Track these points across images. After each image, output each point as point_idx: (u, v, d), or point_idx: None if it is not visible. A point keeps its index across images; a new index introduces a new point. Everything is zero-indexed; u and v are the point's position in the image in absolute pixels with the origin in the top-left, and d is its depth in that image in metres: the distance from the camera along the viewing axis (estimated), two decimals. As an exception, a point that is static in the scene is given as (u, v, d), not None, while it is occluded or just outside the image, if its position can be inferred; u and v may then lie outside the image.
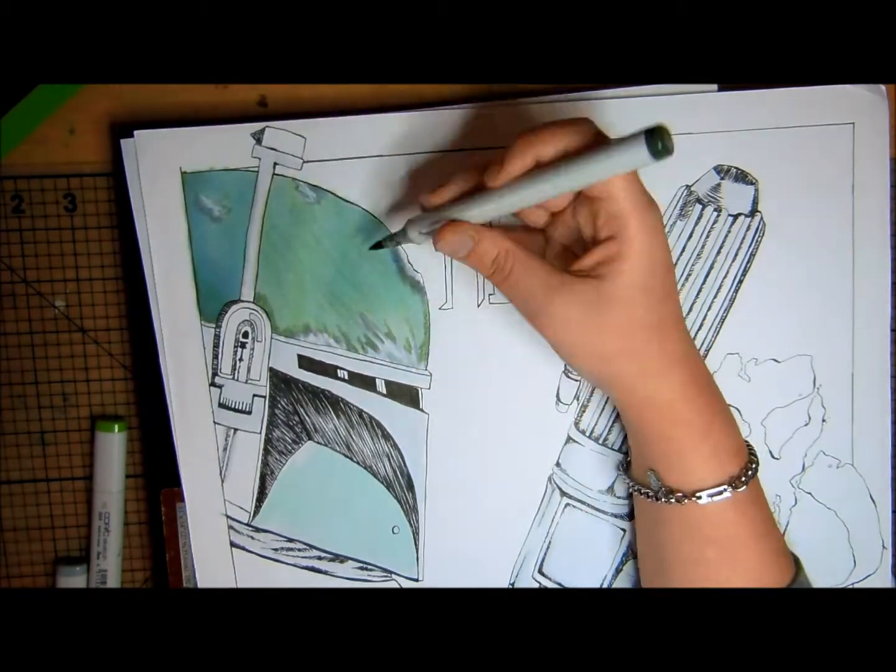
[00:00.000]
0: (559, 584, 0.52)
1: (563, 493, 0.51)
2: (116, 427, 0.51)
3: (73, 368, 0.51)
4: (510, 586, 0.52)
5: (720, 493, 0.43)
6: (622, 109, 0.48)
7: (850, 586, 0.52)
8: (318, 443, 0.51)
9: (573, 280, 0.41)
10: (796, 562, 0.47)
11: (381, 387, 0.50)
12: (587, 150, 0.39)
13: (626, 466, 0.49)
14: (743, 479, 0.43)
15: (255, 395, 0.50)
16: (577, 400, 0.50)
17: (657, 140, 0.36)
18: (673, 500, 0.44)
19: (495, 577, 0.52)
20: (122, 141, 0.47)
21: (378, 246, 0.47)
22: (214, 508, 0.51)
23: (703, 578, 0.45)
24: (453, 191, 0.43)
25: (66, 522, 0.52)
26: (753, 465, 0.44)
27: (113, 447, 0.51)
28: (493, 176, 0.41)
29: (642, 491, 0.46)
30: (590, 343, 0.42)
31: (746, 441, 0.46)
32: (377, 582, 0.51)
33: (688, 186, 0.49)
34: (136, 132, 0.47)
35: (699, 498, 0.43)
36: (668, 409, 0.43)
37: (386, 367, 0.50)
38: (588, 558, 0.52)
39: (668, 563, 0.46)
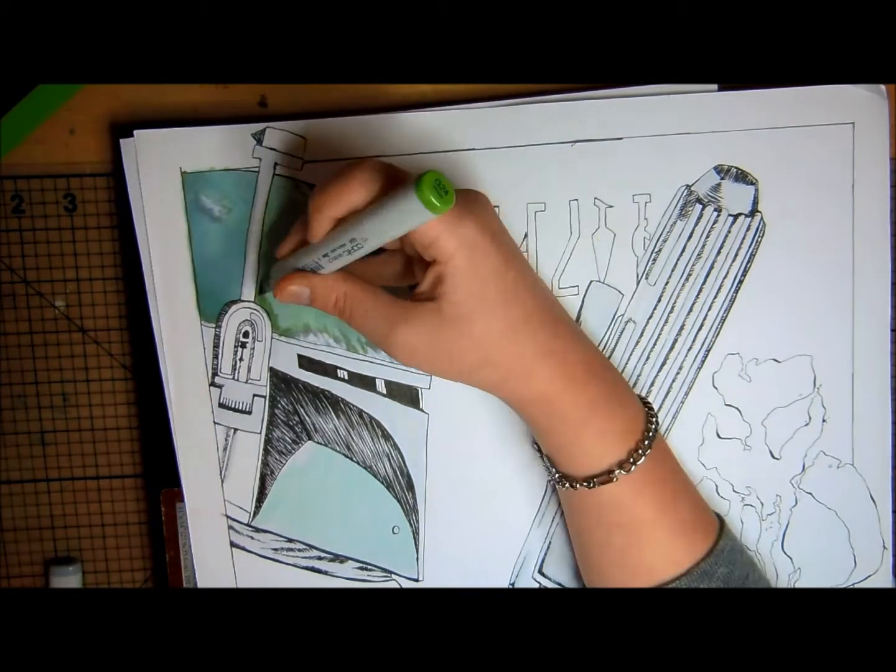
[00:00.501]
0: (559, 584, 0.52)
1: (563, 494, 0.51)
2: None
3: (73, 368, 0.51)
4: (510, 586, 0.52)
5: (609, 478, 0.43)
6: (622, 109, 0.48)
7: (851, 586, 0.52)
8: (318, 443, 0.51)
9: (413, 307, 0.42)
10: (721, 526, 0.46)
11: (381, 387, 0.50)
12: (371, 209, 0.39)
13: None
14: (631, 460, 0.43)
15: (255, 395, 0.50)
16: (577, 400, 0.50)
17: (426, 188, 0.36)
18: (567, 486, 0.44)
19: (495, 577, 0.52)
20: (122, 141, 0.47)
21: (262, 292, 0.49)
22: (214, 508, 0.51)
23: (613, 562, 0.45)
24: (294, 241, 0.45)
25: (66, 522, 0.52)
26: (646, 442, 0.44)
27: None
28: (309, 233, 0.42)
29: (549, 479, 0.46)
30: (443, 363, 0.42)
31: (648, 405, 0.46)
32: (377, 582, 0.51)
33: (688, 186, 0.49)
34: (135, 132, 0.47)
35: (590, 484, 0.44)
36: (543, 405, 0.43)
37: (386, 366, 0.50)
38: (588, 558, 0.52)
39: (584, 548, 0.47)
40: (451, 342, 0.41)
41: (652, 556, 0.44)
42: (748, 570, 0.46)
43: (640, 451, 0.44)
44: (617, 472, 0.43)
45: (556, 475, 0.45)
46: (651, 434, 0.44)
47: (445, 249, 0.40)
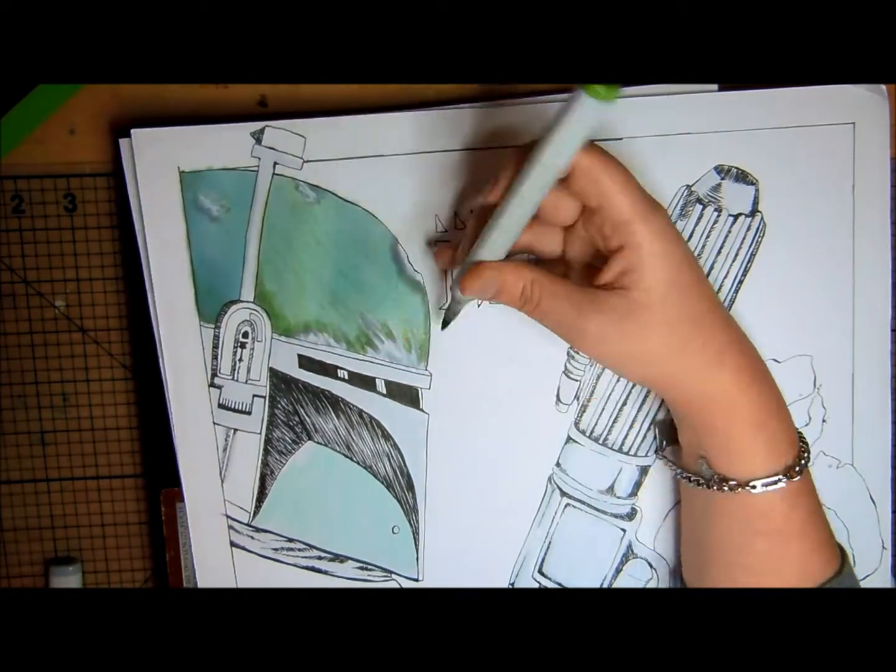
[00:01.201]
0: (559, 584, 0.52)
1: (563, 493, 0.51)
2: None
3: (73, 368, 0.51)
4: (510, 586, 0.52)
5: (774, 482, 0.43)
6: (622, 109, 0.48)
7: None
8: (318, 443, 0.51)
9: (601, 294, 0.42)
10: (842, 553, 0.47)
11: (381, 387, 0.50)
12: (549, 128, 0.40)
13: (666, 449, 0.49)
14: (797, 468, 0.43)
15: (254, 396, 0.50)
16: (577, 400, 0.50)
17: (595, 88, 0.38)
18: (726, 489, 0.43)
19: (495, 577, 0.52)
20: (122, 140, 0.47)
21: (445, 324, 0.48)
22: (214, 508, 0.51)
23: (749, 567, 0.44)
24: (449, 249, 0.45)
25: (66, 522, 0.52)
26: (806, 455, 0.44)
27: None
28: (489, 191, 0.42)
29: (692, 478, 0.45)
30: (631, 352, 0.42)
31: (798, 431, 0.46)
32: (377, 582, 0.51)
33: (688, 186, 0.49)
34: (132, 131, 0.47)
35: (753, 487, 0.43)
36: (721, 403, 0.43)
37: (386, 366, 0.50)
38: (588, 558, 0.52)
39: (713, 550, 0.46)
40: (642, 329, 0.41)
41: (791, 566, 0.44)
42: None
43: (804, 462, 0.44)
44: (783, 478, 0.43)
45: (715, 476, 0.44)
46: (808, 446, 0.45)
47: (638, 234, 0.40)
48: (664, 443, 0.50)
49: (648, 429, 0.50)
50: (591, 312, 0.41)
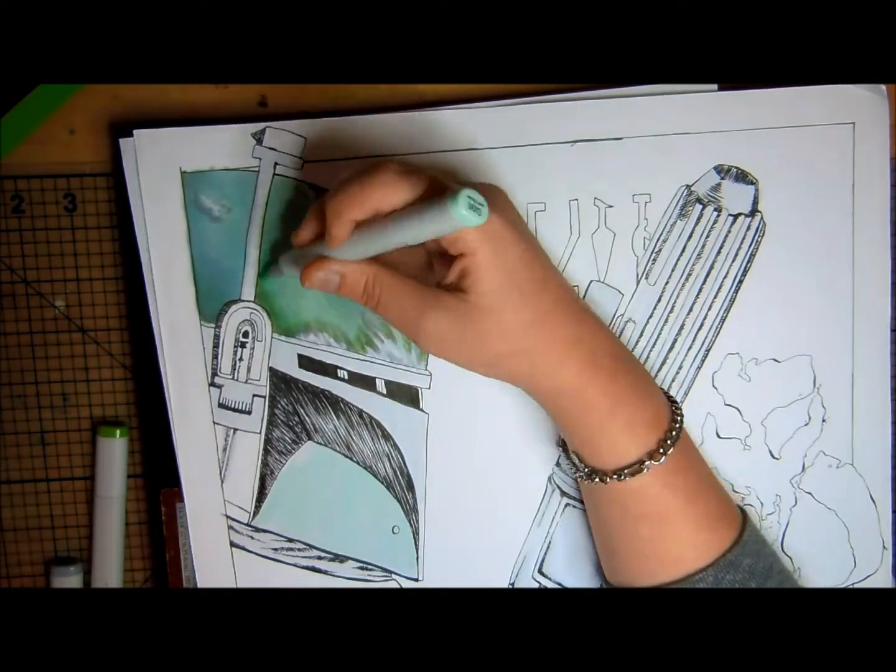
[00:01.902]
0: (559, 584, 0.52)
1: (563, 493, 0.51)
2: (118, 432, 0.50)
3: (73, 368, 0.51)
4: (510, 586, 0.52)
5: (639, 469, 0.43)
6: (622, 109, 0.48)
7: (851, 586, 0.52)
8: (318, 443, 0.51)
9: (442, 295, 0.42)
10: (743, 519, 0.46)
11: (381, 387, 0.50)
12: (399, 219, 0.39)
13: (564, 451, 0.49)
14: (661, 450, 0.43)
15: (254, 395, 0.50)
16: (577, 400, 0.50)
17: (463, 207, 0.36)
18: (597, 480, 0.44)
19: (495, 577, 0.52)
20: (122, 140, 0.47)
21: (264, 275, 0.49)
22: (214, 508, 0.51)
23: (641, 554, 0.45)
24: (312, 230, 0.44)
25: (66, 522, 0.52)
26: (673, 433, 0.44)
27: (115, 452, 0.51)
28: (328, 241, 0.41)
29: (576, 473, 0.46)
30: (471, 352, 0.42)
31: (672, 399, 0.46)
32: (377, 582, 0.51)
33: (688, 186, 0.49)
34: (135, 132, 0.47)
35: (620, 476, 0.43)
36: (571, 396, 0.43)
37: (386, 366, 0.50)
38: (588, 558, 0.52)
39: (609, 541, 0.47)
40: (480, 332, 0.41)
41: (680, 547, 0.44)
42: (772, 560, 0.46)
43: (669, 441, 0.44)
44: (647, 462, 0.43)
45: (585, 469, 0.45)
46: (678, 424, 0.44)
47: (470, 243, 0.40)
48: (562, 442, 0.50)
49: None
50: (431, 310, 0.41)
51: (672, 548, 0.44)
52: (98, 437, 0.51)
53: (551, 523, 0.51)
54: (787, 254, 0.50)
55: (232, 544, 0.51)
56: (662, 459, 0.43)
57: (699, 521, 0.44)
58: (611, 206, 0.49)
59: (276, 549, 0.51)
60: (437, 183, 0.40)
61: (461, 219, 0.36)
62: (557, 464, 0.51)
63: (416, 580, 0.51)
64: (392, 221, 0.39)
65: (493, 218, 0.40)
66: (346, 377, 0.50)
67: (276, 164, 0.48)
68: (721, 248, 0.50)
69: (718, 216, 0.49)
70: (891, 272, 0.50)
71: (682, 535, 0.44)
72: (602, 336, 0.44)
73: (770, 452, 0.51)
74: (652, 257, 0.50)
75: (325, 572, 0.51)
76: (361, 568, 0.51)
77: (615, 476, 0.43)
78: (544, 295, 0.42)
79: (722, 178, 0.49)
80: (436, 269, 0.44)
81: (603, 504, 0.46)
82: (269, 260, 0.49)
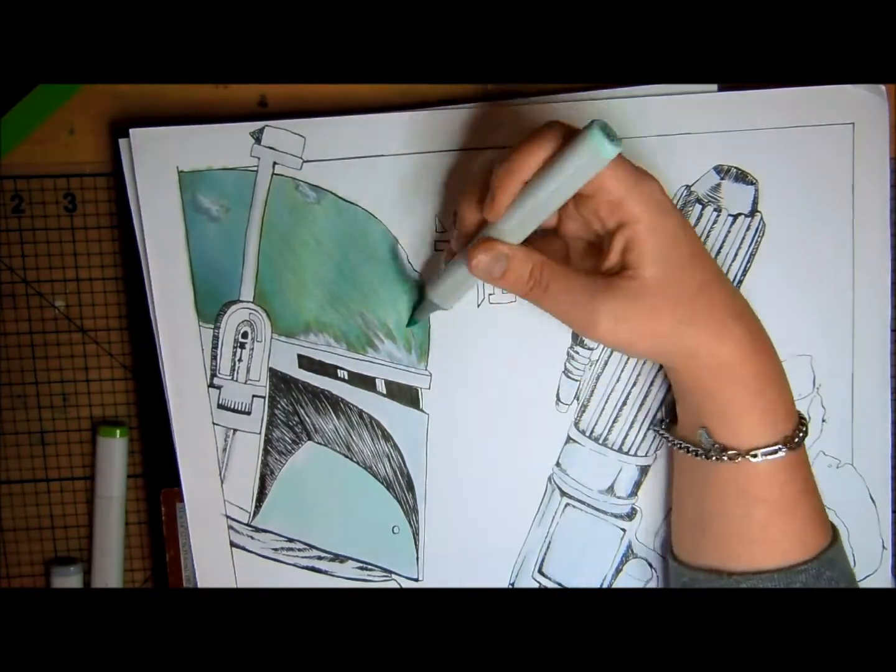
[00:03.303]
0: (559, 584, 0.52)
1: (563, 493, 0.51)
2: (118, 432, 0.50)
3: (73, 368, 0.51)
4: (510, 586, 0.52)
5: (774, 452, 0.43)
6: (622, 109, 0.48)
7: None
8: (318, 443, 0.51)
9: (611, 279, 0.42)
10: (833, 526, 0.47)
11: (381, 387, 0.50)
12: (549, 167, 0.40)
13: (664, 424, 0.49)
14: (796, 439, 0.44)
15: (254, 396, 0.50)
16: (577, 400, 0.50)
17: (601, 130, 0.38)
18: (725, 458, 0.44)
19: (495, 577, 0.52)
20: (121, 140, 0.47)
21: (412, 323, 0.49)
22: (214, 508, 0.51)
23: (749, 537, 0.45)
24: (467, 232, 0.43)
25: (66, 522, 0.52)
26: (804, 427, 0.45)
27: (114, 452, 0.51)
28: (489, 209, 0.41)
29: (690, 449, 0.46)
30: (645, 329, 0.42)
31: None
32: (377, 582, 0.51)
33: (688, 186, 0.49)
34: (131, 131, 0.47)
35: (754, 456, 0.43)
36: (727, 370, 0.43)
37: (386, 367, 0.50)
38: (588, 558, 0.52)
39: (712, 521, 0.46)
40: (652, 307, 0.41)
41: (789, 536, 0.45)
42: (853, 570, 0.47)
43: (803, 431, 0.44)
44: (783, 447, 0.43)
45: (716, 446, 0.44)
46: (805, 420, 0.45)
47: (633, 210, 0.40)
48: (667, 417, 0.50)
49: (648, 428, 0.50)
50: (604, 294, 0.41)
51: (782, 536, 0.45)
52: (98, 437, 0.51)
53: (551, 523, 0.51)
54: (787, 254, 0.50)
55: (232, 544, 0.51)
56: (797, 446, 0.44)
57: (809, 515, 0.45)
58: (611, 206, 0.49)
59: (276, 549, 0.51)
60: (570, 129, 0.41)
61: (601, 147, 0.38)
62: (557, 464, 0.51)
63: (416, 580, 0.51)
64: (539, 176, 0.40)
65: (654, 184, 0.41)
66: (346, 377, 0.50)
67: (275, 163, 0.48)
68: (721, 248, 0.50)
69: (718, 216, 0.49)
70: (891, 272, 0.50)
71: (793, 525, 0.45)
72: (754, 315, 0.45)
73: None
74: (652, 257, 0.50)
75: (325, 572, 0.51)
76: (361, 568, 0.51)
77: (749, 456, 0.43)
78: (705, 264, 0.43)
79: (722, 178, 0.49)
80: (586, 261, 0.44)
81: (714, 484, 0.45)
82: (415, 306, 0.49)
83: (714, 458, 0.44)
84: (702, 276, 0.42)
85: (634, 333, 0.42)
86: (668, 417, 0.50)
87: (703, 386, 0.44)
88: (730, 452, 0.44)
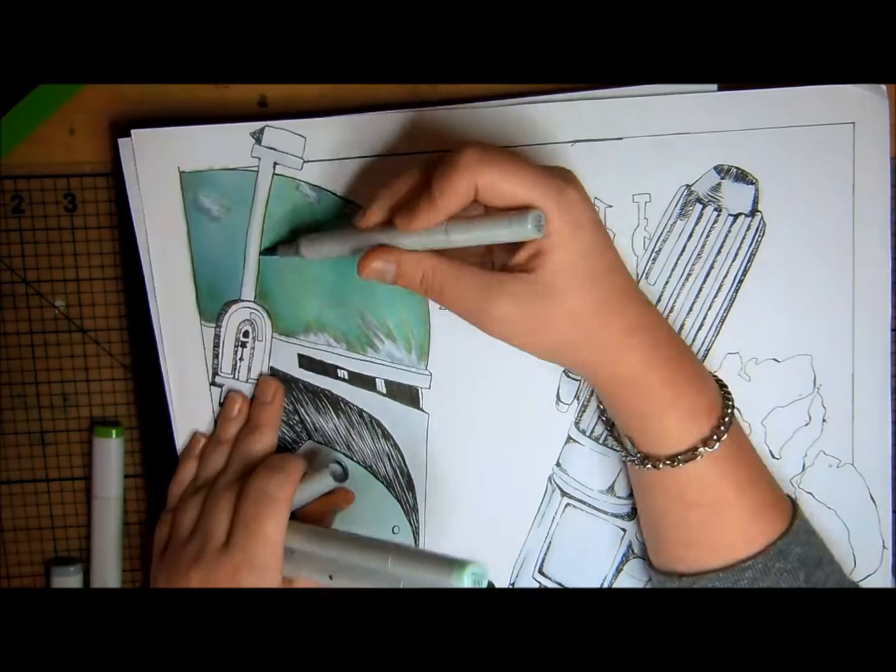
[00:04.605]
0: (559, 584, 0.52)
1: (564, 493, 0.51)
2: (114, 432, 0.50)
3: (73, 368, 0.51)
4: (510, 586, 0.52)
5: (693, 455, 0.43)
6: (622, 109, 0.48)
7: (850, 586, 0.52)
8: (319, 442, 0.51)
9: (507, 278, 0.42)
10: (794, 510, 0.47)
11: (381, 386, 0.50)
12: (477, 218, 0.40)
13: (613, 437, 0.49)
14: (714, 437, 0.43)
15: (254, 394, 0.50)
16: (577, 400, 0.50)
17: (535, 220, 0.39)
18: (650, 466, 0.44)
19: (495, 577, 0.52)
20: (120, 140, 0.47)
21: (269, 252, 0.48)
22: (214, 508, 0.50)
23: (690, 540, 0.45)
24: (378, 216, 0.43)
25: (66, 522, 0.52)
26: (726, 420, 0.44)
27: (111, 453, 0.51)
28: (403, 225, 0.41)
29: (627, 458, 0.46)
30: (537, 336, 0.42)
31: (722, 384, 0.46)
32: (377, 582, 0.51)
33: (688, 186, 0.49)
34: (132, 131, 0.47)
35: (674, 463, 0.43)
36: (631, 383, 0.43)
37: (386, 366, 0.50)
38: (588, 558, 0.52)
39: (658, 526, 0.47)
40: (546, 316, 0.41)
41: (731, 534, 0.44)
42: (822, 551, 0.46)
43: (723, 428, 0.44)
44: (702, 449, 0.43)
45: (638, 455, 0.45)
46: (730, 411, 0.45)
47: (552, 222, 0.40)
48: (611, 428, 0.50)
49: (610, 432, 0.50)
50: (496, 295, 0.41)
51: (723, 535, 0.45)
52: (94, 437, 0.51)
53: (551, 523, 0.51)
54: (787, 254, 0.50)
55: (232, 544, 0.51)
56: (716, 446, 0.43)
57: (751, 509, 0.45)
58: (610, 206, 0.49)
59: (276, 549, 0.51)
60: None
61: (526, 235, 0.40)
62: (557, 464, 0.51)
63: (416, 580, 0.51)
64: (462, 224, 0.41)
65: (575, 197, 0.41)
66: (347, 377, 0.50)
67: (275, 163, 0.48)
68: (721, 248, 0.50)
69: (718, 216, 0.49)
70: (891, 272, 0.50)
71: (733, 523, 0.44)
72: (662, 325, 0.44)
73: (770, 452, 0.51)
74: (652, 257, 0.50)
75: (325, 572, 0.51)
76: (361, 568, 0.51)
77: (668, 462, 0.44)
78: (610, 281, 0.42)
79: (722, 178, 0.49)
80: (496, 253, 0.45)
81: (653, 490, 0.46)
82: (283, 239, 0.48)
83: (638, 466, 0.45)
84: (606, 292, 0.42)
85: (525, 338, 0.43)
86: (612, 428, 0.50)
87: (614, 398, 0.45)
88: (652, 460, 0.44)
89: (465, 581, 0.40)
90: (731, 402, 0.45)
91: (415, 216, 0.41)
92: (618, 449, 0.48)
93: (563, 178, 0.41)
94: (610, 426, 0.49)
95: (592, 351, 0.43)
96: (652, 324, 0.44)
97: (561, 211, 0.40)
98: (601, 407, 0.50)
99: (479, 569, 0.40)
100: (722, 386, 0.46)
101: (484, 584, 0.40)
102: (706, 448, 0.43)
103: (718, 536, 0.45)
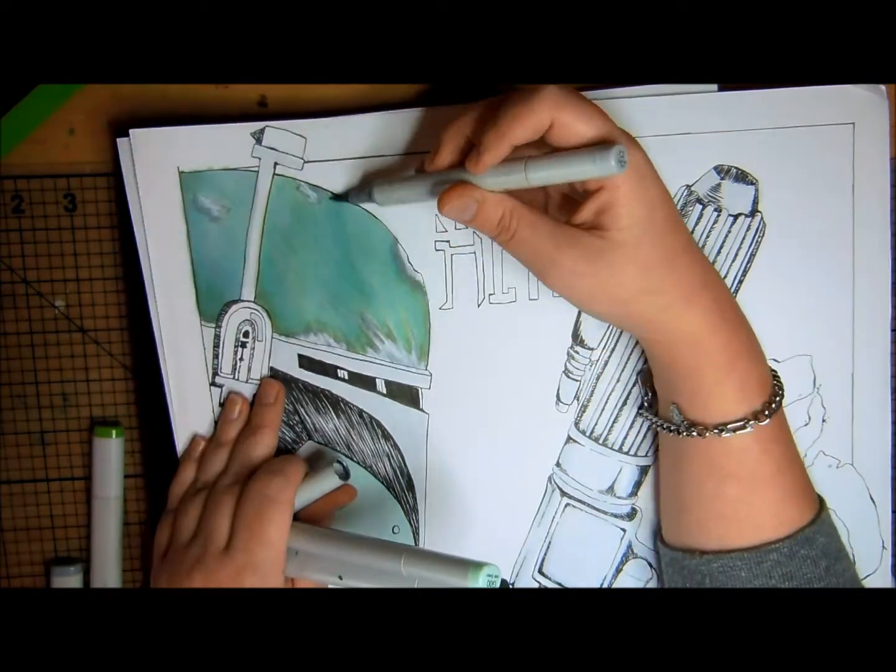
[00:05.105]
0: (559, 584, 0.52)
1: (563, 493, 0.51)
2: (114, 432, 0.50)
3: (73, 368, 0.51)
4: (510, 586, 0.52)
5: (742, 426, 0.43)
6: (622, 109, 0.48)
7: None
8: (319, 442, 0.51)
9: (578, 233, 0.42)
10: (820, 501, 0.47)
11: (381, 387, 0.50)
12: (559, 154, 0.40)
13: (647, 405, 0.49)
14: (766, 412, 0.44)
15: (255, 394, 0.50)
16: (577, 400, 0.50)
17: (614, 155, 0.39)
18: (695, 434, 0.44)
19: (495, 577, 0.52)
20: (120, 140, 0.47)
21: (341, 198, 0.48)
22: (214, 508, 0.50)
23: (721, 515, 0.45)
24: (451, 153, 0.43)
25: (66, 522, 0.52)
26: (777, 398, 0.44)
27: (111, 453, 0.51)
28: (473, 164, 0.41)
29: (665, 426, 0.46)
30: (604, 290, 0.42)
31: (773, 370, 0.46)
32: (377, 582, 0.51)
33: (688, 186, 0.49)
34: (131, 131, 0.47)
35: (722, 431, 0.43)
36: (694, 343, 0.43)
37: (386, 367, 0.50)
38: (588, 558, 0.52)
39: (688, 499, 0.46)
40: (616, 268, 0.41)
41: (763, 513, 0.45)
42: (841, 545, 0.46)
43: (774, 405, 0.44)
44: (752, 422, 0.43)
45: (684, 423, 0.44)
46: (781, 391, 0.45)
47: (617, 176, 0.40)
48: (647, 395, 0.50)
49: (649, 428, 0.50)
50: (566, 247, 0.41)
51: (755, 513, 0.44)
52: (94, 437, 0.51)
53: (551, 523, 0.51)
54: (787, 254, 0.50)
55: (232, 544, 0.51)
56: (767, 421, 0.43)
57: (786, 492, 0.45)
58: (611, 206, 0.49)
59: (276, 549, 0.51)
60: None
61: (614, 167, 0.39)
62: (557, 464, 0.51)
63: (416, 580, 0.51)
64: (542, 161, 0.40)
65: (638, 153, 0.41)
66: (346, 377, 0.50)
67: (276, 164, 0.48)
68: (721, 248, 0.50)
69: (718, 216, 0.49)
70: (891, 272, 0.50)
71: (767, 502, 0.44)
72: (725, 290, 0.45)
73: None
74: (652, 257, 0.50)
75: (325, 572, 0.51)
76: (361, 568, 0.51)
77: (716, 431, 0.43)
78: (677, 235, 0.43)
79: (722, 178, 0.49)
80: (558, 210, 0.45)
81: (690, 460, 0.45)
82: (353, 187, 0.48)
83: (683, 434, 0.44)
84: (673, 246, 0.42)
85: (592, 292, 0.42)
86: (650, 395, 0.50)
87: (671, 359, 0.44)
88: (699, 428, 0.44)
89: (481, 583, 0.39)
90: (781, 384, 0.45)
91: (483, 150, 0.40)
92: (653, 419, 0.47)
93: (629, 138, 0.42)
94: (646, 400, 0.49)
95: (656, 305, 0.42)
96: (718, 285, 0.44)
97: (629, 165, 0.40)
98: (605, 406, 0.50)
99: (494, 570, 0.40)
100: (773, 371, 0.46)
101: (497, 587, 0.40)
102: (756, 421, 0.43)
103: (750, 513, 0.44)
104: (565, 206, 0.45)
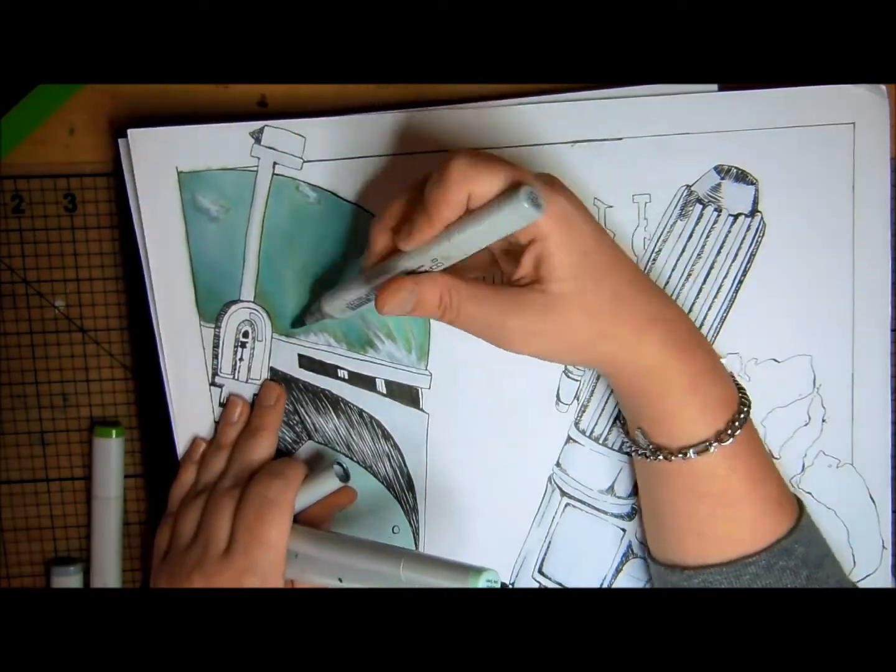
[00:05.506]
0: (559, 584, 0.52)
1: (564, 493, 0.51)
2: (114, 432, 0.50)
3: (73, 368, 0.51)
4: (510, 586, 0.52)
5: (706, 448, 0.43)
6: (622, 109, 0.48)
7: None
8: (319, 442, 0.51)
9: (520, 293, 0.42)
10: (800, 504, 0.47)
11: (381, 387, 0.50)
12: (475, 212, 0.39)
13: (619, 425, 0.49)
14: (730, 431, 0.44)
15: (255, 395, 0.50)
16: (577, 400, 0.50)
17: (528, 197, 0.38)
18: (661, 458, 0.44)
19: (495, 576, 0.52)
20: (120, 140, 0.47)
21: (299, 324, 0.49)
22: (214, 508, 0.50)
23: (698, 532, 0.45)
24: (382, 246, 0.43)
25: (66, 522, 0.52)
26: (742, 416, 0.44)
27: (111, 453, 0.51)
28: (405, 242, 0.41)
29: (632, 448, 0.46)
30: (561, 341, 0.42)
31: (738, 384, 0.46)
32: (377, 582, 0.51)
33: (688, 186, 0.49)
34: (129, 131, 0.47)
35: (685, 454, 0.44)
36: (651, 373, 0.43)
37: (386, 366, 0.50)
38: (588, 558, 0.52)
39: (664, 518, 0.47)
40: (565, 320, 0.41)
41: (738, 528, 0.45)
42: (825, 552, 0.46)
43: (738, 424, 0.44)
44: (714, 443, 0.43)
45: (649, 447, 0.45)
46: (746, 408, 0.45)
47: (543, 227, 0.40)
48: (620, 417, 0.50)
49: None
50: (513, 311, 0.41)
51: (730, 529, 0.45)
52: (94, 437, 0.51)
53: (551, 523, 0.51)
54: (787, 254, 0.50)
55: (232, 544, 0.51)
56: (730, 441, 0.43)
57: (759, 505, 0.45)
58: (610, 207, 0.49)
59: (276, 549, 0.51)
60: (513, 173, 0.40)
61: (529, 213, 0.38)
62: (557, 464, 0.51)
63: (416, 580, 0.51)
64: (462, 223, 0.40)
65: (561, 199, 0.41)
66: (347, 377, 0.50)
67: (275, 163, 0.48)
68: (721, 248, 0.50)
69: (718, 216, 0.49)
70: (891, 272, 0.50)
71: (741, 517, 0.45)
72: (677, 313, 0.45)
73: (770, 452, 0.51)
74: (652, 257, 0.50)
75: (325, 572, 0.51)
76: (361, 568, 0.51)
77: (681, 454, 0.44)
78: (620, 273, 0.42)
79: (722, 178, 0.49)
80: (503, 268, 0.44)
81: (662, 482, 0.46)
82: (305, 308, 0.49)
83: (650, 458, 0.45)
84: (615, 285, 0.42)
85: (549, 346, 0.43)
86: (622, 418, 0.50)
87: (632, 389, 0.45)
88: (664, 452, 0.44)
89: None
90: (746, 400, 0.45)
91: (413, 231, 0.40)
92: (625, 441, 0.48)
93: (548, 182, 0.41)
94: (620, 422, 0.49)
95: (612, 345, 0.43)
96: (669, 315, 0.44)
97: (551, 214, 0.40)
98: (605, 406, 0.50)
99: (494, 576, 0.40)
100: (736, 383, 0.46)
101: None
102: (718, 442, 0.43)
103: (725, 529, 0.45)
104: (510, 259, 0.44)
